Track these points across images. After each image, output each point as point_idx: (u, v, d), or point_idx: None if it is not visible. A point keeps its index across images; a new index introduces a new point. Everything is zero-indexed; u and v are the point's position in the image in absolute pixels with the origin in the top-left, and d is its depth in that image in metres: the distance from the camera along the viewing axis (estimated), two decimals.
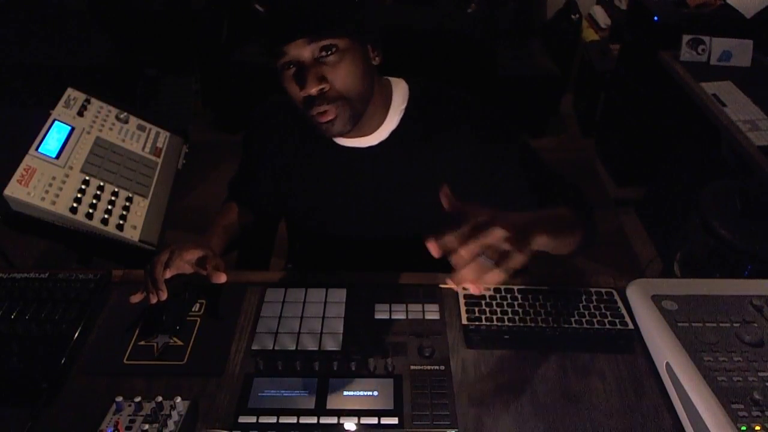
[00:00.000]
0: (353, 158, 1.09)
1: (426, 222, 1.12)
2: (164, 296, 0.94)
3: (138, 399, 0.82)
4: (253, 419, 0.83)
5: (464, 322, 0.98)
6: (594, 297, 1.03)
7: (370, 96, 1.01)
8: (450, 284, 0.75)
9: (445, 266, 1.12)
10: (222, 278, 0.95)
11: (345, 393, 0.87)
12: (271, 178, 1.18)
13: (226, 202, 1.27)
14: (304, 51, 0.91)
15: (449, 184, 0.97)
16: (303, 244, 1.38)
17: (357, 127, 1.02)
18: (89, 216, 1.27)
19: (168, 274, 0.95)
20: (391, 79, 1.11)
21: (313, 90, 0.92)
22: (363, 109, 1.00)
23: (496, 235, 0.70)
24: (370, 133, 1.08)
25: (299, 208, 1.18)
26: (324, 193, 1.14)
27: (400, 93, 1.10)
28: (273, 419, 0.83)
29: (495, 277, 0.71)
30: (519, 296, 1.02)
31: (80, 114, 1.44)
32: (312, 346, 0.95)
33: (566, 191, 1.06)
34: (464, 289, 1.00)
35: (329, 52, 0.92)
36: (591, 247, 1.03)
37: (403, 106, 1.09)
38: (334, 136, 1.02)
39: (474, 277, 0.70)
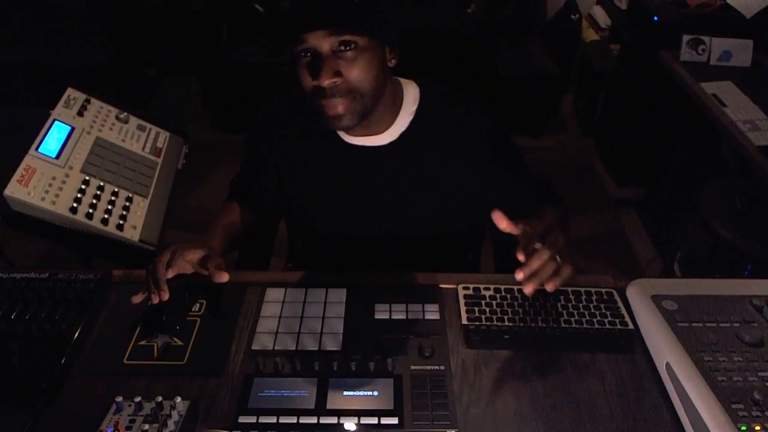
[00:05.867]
0: (362, 156, 1.10)
1: (429, 222, 1.16)
2: (166, 296, 0.94)
3: (138, 399, 0.82)
4: (253, 419, 0.83)
5: (464, 322, 0.98)
6: (594, 297, 1.03)
7: (381, 95, 1.02)
8: (519, 277, 0.83)
9: (445, 266, 1.13)
10: (225, 277, 0.95)
11: (345, 393, 0.86)
12: (275, 177, 1.18)
13: (227, 202, 1.27)
14: (323, 42, 0.93)
15: (454, 185, 1.12)
16: (304, 244, 1.38)
17: (367, 126, 1.04)
18: (89, 216, 1.27)
19: (170, 274, 0.95)
20: (401, 80, 1.12)
21: (326, 82, 0.93)
22: (372, 107, 1.01)
23: (560, 242, 0.86)
24: (380, 133, 1.09)
25: (305, 205, 1.18)
26: (331, 189, 1.14)
27: (411, 94, 1.11)
28: (273, 419, 0.83)
29: (557, 280, 0.84)
30: (519, 296, 1.02)
31: (80, 114, 1.44)
32: (312, 346, 0.95)
33: (548, 192, 1.19)
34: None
35: (348, 48, 0.93)
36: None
37: (414, 108, 1.10)
38: (340, 129, 1.03)
39: (545, 276, 0.83)
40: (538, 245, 0.84)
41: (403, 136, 1.10)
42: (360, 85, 0.96)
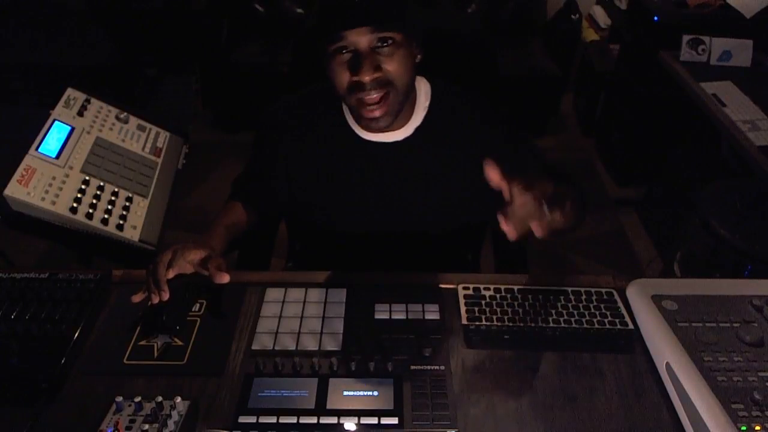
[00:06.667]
0: (378, 152, 1.11)
1: (436, 219, 1.16)
2: (166, 296, 0.94)
3: (138, 399, 0.82)
4: (253, 419, 0.83)
5: (464, 322, 0.98)
6: (594, 297, 1.03)
7: (411, 91, 1.05)
8: (502, 222, 0.76)
9: (445, 266, 1.13)
10: (225, 278, 0.95)
11: (345, 393, 0.87)
12: (285, 175, 1.18)
13: (229, 202, 1.27)
14: (363, 39, 0.95)
15: (464, 180, 1.10)
16: (304, 243, 1.38)
17: None
18: (89, 216, 1.27)
19: (171, 274, 0.95)
20: None
21: (368, 77, 0.95)
22: (405, 103, 1.04)
23: (547, 188, 0.77)
24: (397, 129, 1.10)
25: (314, 202, 1.18)
26: (344, 186, 1.15)
27: (423, 90, 1.13)
28: (273, 419, 0.83)
29: (544, 224, 0.75)
30: (519, 296, 1.02)
31: (80, 114, 1.44)
32: (312, 346, 0.95)
33: (568, 179, 1.04)
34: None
35: (385, 44, 0.96)
36: (579, 227, 1.04)
37: (427, 103, 1.12)
38: (376, 130, 1.04)
39: (525, 218, 0.75)
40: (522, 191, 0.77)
41: (417, 131, 1.11)
42: (397, 79, 0.98)
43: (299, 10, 3.26)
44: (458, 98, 1.15)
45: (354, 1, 0.93)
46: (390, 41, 0.96)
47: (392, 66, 0.97)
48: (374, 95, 0.98)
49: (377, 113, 0.99)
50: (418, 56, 1.04)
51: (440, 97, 1.13)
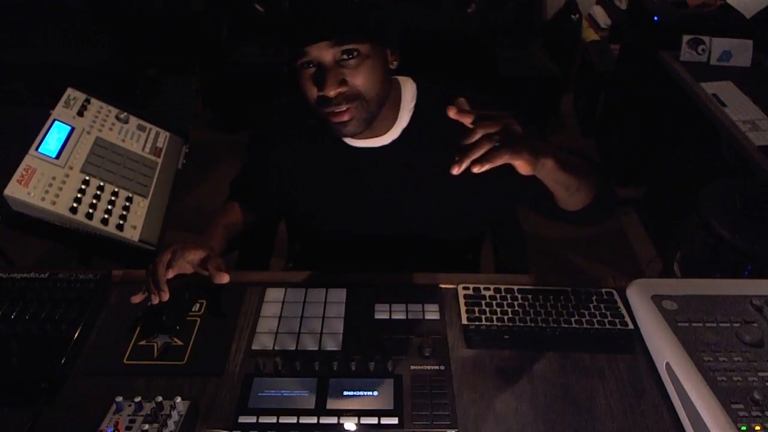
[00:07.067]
0: (366, 159, 1.10)
1: (432, 221, 1.15)
2: (166, 297, 0.94)
3: (138, 399, 0.82)
4: (253, 419, 0.83)
5: (464, 322, 0.98)
6: (594, 297, 1.03)
7: (386, 99, 1.02)
8: (455, 166, 0.76)
9: (445, 266, 1.13)
10: (225, 278, 0.95)
11: (345, 393, 0.87)
12: (277, 178, 1.18)
13: (227, 202, 1.27)
14: (326, 53, 0.92)
15: (456, 182, 0.99)
16: (304, 244, 1.38)
17: (370, 128, 1.03)
18: (89, 216, 1.27)
19: (170, 275, 0.96)
20: (398, 77, 1.12)
21: (332, 92, 0.93)
22: (378, 112, 1.01)
23: (508, 121, 0.77)
24: (383, 134, 1.09)
25: (308, 207, 1.18)
26: (335, 192, 1.14)
27: (408, 91, 1.11)
28: (273, 419, 0.83)
29: (485, 163, 0.75)
30: (519, 296, 1.02)
31: (80, 114, 1.44)
32: (312, 346, 0.95)
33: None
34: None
35: (351, 56, 0.93)
36: (605, 215, 1.06)
37: (413, 104, 1.10)
38: (347, 137, 1.03)
39: (478, 152, 0.75)
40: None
41: (405, 133, 1.09)
42: (365, 90, 0.96)
43: None
44: (446, 95, 1.12)
45: (314, 16, 0.91)
46: (355, 53, 0.92)
47: (359, 79, 0.94)
48: (343, 107, 0.96)
49: (345, 117, 0.97)
50: (394, 62, 1.02)
51: (426, 95, 1.11)
